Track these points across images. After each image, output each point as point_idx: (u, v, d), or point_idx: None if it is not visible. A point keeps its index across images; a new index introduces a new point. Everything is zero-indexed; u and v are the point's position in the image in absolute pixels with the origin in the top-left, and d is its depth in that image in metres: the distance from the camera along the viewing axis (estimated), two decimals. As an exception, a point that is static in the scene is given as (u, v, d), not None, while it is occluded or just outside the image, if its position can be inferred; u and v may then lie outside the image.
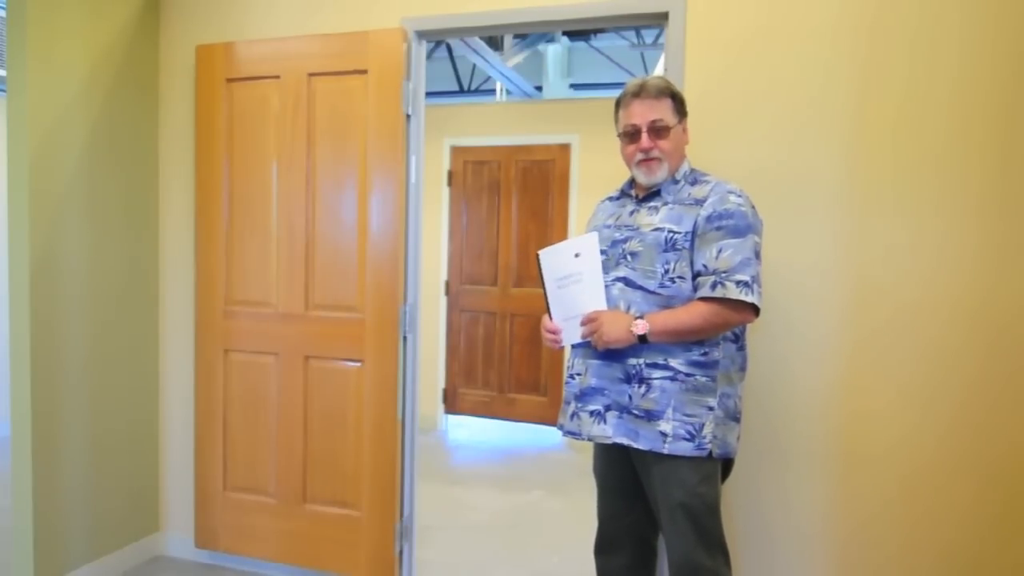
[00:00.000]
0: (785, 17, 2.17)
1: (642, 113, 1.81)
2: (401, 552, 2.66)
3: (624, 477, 1.92)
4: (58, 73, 2.47)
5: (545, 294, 1.86)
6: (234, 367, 2.77)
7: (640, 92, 1.81)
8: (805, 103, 2.17)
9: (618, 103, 1.88)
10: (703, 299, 1.71)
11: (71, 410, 2.57)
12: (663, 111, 1.81)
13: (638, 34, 5.21)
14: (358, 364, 2.61)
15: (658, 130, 1.81)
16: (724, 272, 1.69)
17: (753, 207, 1.78)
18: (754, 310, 1.71)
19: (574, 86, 5.93)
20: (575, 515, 3.51)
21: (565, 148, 4.76)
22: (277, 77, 2.65)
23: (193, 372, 2.86)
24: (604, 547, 2.03)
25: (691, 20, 2.25)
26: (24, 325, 2.41)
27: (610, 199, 2.00)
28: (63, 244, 2.52)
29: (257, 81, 2.68)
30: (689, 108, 2.26)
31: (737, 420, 1.82)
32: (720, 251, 1.70)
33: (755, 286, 1.69)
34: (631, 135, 1.83)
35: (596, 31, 5.15)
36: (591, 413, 1.83)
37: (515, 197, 4.93)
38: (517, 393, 5.02)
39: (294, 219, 2.66)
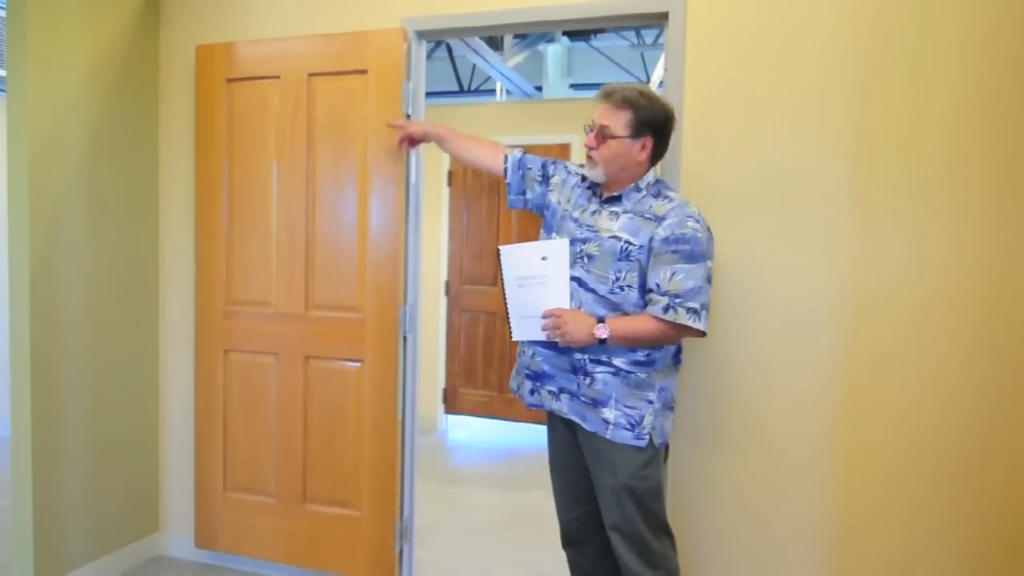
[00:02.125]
0: (786, 17, 2.17)
1: (600, 114, 1.89)
2: (401, 552, 2.66)
3: (575, 469, 2.03)
4: (58, 73, 2.47)
5: (503, 289, 1.92)
6: (234, 367, 2.77)
7: (608, 97, 1.88)
8: (806, 104, 2.16)
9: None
10: (655, 316, 1.79)
11: (71, 410, 2.57)
12: (616, 120, 1.86)
13: (638, 34, 5.21)
14: (358, 364, 2.61)
15: (603, 136, 1.87)
16: (677, 296, 1.77)
17: (709, 231, 1.86)
18: (701, 332, 1.81)
19: (574, 86, 5.93)
20: (575, 515, 3.50)
21: (565, 148, 4.76)
22: (277, 77, 2.65)
23: (193, 372, 2.86)
24: (570, 542, 2.14)
25: (691, 20, 2.25)
26: (24, 325, 2.41)
27: (583, 181, 2.03)
28: (63, 244, 2.52)
29: (257, 81, 2.68)
30: (688, 109, 2.26)
31: (672, 409, 1.97)
32: (674, 274, 1.78)
33: (703, 312, 1.79)
34: (589, 128, 1.92)
35: (596, 31, 5.15)
36: (549, 392, 1.97)
37: (515, 197, 4.92)
38: (517, 393, 5.02)
39: (294, 219, 2.66)
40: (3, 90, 4.10)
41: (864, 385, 2.15)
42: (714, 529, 2.29)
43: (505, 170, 2.18)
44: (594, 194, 1.97)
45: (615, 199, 1.91)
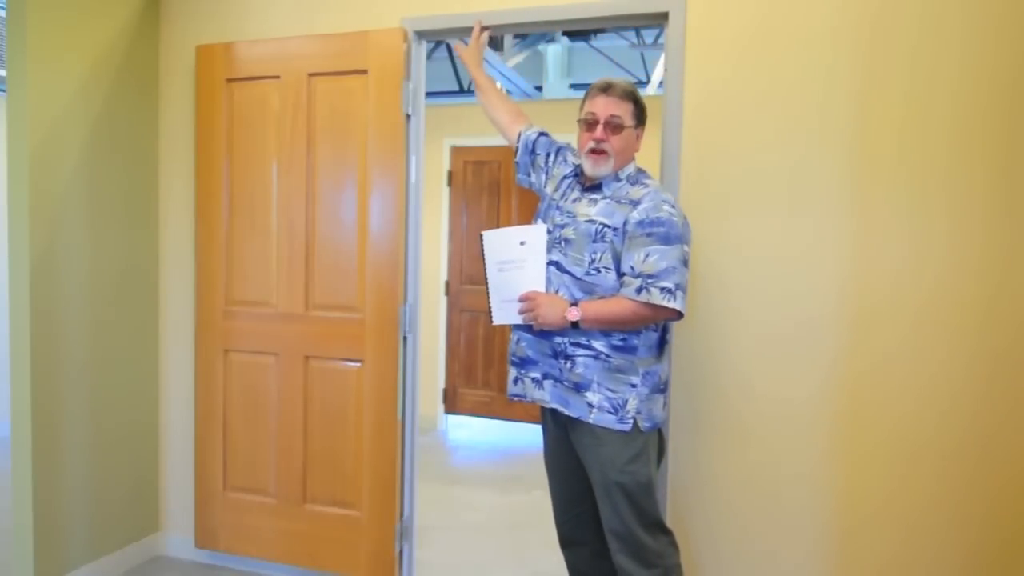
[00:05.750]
0: (786, 17, 2.17)
1: (606, 106, 1.92)
2: (401, 552, 2.66)
3: (569, 469, 2.04)
4: (58, 73, 2.47)
5: (485, 274, 1.98)
6: (234, 367, 2.77)
7: (607, 89, 1.93)
8: (806, 104, 2.16)
9: (585, 95, 1.99)
10: (628, 298, 1.81)
11: (71, 410, 2.57)
12: (623, 111, 1.92)
13: (638, 34, 5.20)
14: (358, 364, 2.61)
15: (614, 126, 1.91)
16: (650, 277, 1.80)
17: (685, 219, 1.89)
18: (677, 313, 1.82)
19: (574, 86, 5.91)
20: (575, 515, 3.50)
21: (565, 148, 4.76)
22: (277, 77, 2.65)
23: (193, 372, 2.86)
24: (565, 543, 2.15)
25: (691, 20, 2.25)
26: (24, 325, 2.41)
27: (573, 169, 2.06)
28: (63, 243, 2.52)
29: (257, 81, 2.68)
30: (688, 109, 2.27)
31: (662, 391, 1.94)
32: (647, 256, 1.81)
33: (679, 292, 1.80)
34: (590, 124, 1.94)
35: (596, 31, 5.14)
36: (532, 379, 1.99)
37: (515, 197, 4.93)
38: (517, 393, 5.02)
39: (294, 219, 2.66)
40: (3, 90, 4.10)
41: (864, 387, 2.14)
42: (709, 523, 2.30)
43: (516, 148, 2.24)
44: (578, 183, 2.01)
45: (596, 187, 1.95)
